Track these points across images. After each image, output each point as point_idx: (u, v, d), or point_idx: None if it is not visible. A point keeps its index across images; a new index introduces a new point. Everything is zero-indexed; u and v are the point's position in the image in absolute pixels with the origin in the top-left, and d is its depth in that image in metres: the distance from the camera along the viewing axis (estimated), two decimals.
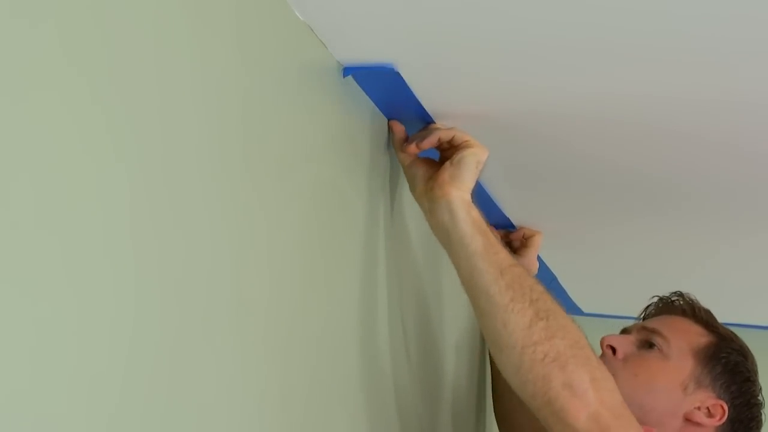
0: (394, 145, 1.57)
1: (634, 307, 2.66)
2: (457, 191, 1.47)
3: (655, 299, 1.87)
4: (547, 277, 2.53)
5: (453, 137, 1.50)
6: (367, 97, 1.47)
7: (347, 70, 1.38)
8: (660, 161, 1.73)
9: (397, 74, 1.39)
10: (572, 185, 1.90)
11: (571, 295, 2.80)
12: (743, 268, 2.41)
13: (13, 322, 0.72)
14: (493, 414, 2.15)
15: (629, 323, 2.88)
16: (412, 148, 1.52)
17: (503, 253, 1.47)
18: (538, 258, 2.34)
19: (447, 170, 1.48)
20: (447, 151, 1.52)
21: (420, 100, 1.49)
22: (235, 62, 1.08)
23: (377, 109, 1.52)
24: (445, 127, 1.52)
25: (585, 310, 2.94)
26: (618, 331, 1.82)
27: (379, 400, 1.54)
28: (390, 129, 1.58)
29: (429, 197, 1.49)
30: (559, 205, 2.05)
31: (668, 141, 1.62)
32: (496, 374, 2.12)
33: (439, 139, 1.51)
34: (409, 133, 1.58)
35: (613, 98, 1.45)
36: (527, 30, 1.24)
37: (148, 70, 0.91)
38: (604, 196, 1.97)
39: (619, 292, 2.72)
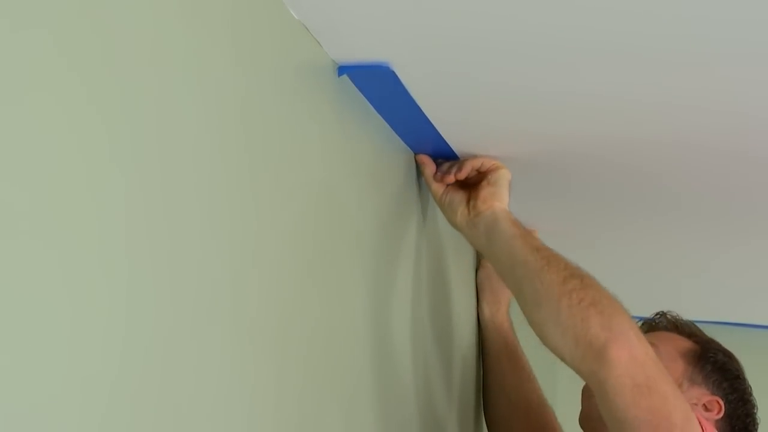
0: (426, 178, 1.75)
1: (634, 308, 2.65)
2: (500, 203, 1.66)
3: (639, 323, 1.95)
4: None
5: (482, 164, 1.70)
6: (363, 97, 1.47)
7: (342, 69, 1.37)
8: (662, 164, 1.73)
9: (393, 73, 1.38)
10: (573, 188, 1.91)
11: None
12: (745, 270, 2.41)
13: (6, 322, 0.72)
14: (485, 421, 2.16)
15: None
16: (451, 178, 1.70)
17: (540, 242, 1.62)
18: None
19: (486, 189, 1.67)
20: (474, 177, 1.70)
21: (415, 99, 1.48)
22: (230, 61, 1.08)
23: (372, 108, 1.52)
24: (473, 157, 1.71)
25: None
26: None
27: (374, 398, 1.53)
28: (419, 163, 1.75)
29: (473, 214, 1.67)
30: (560, 207, 2.05)
31: (669, 145, 1.63)
32: (488, 381, 2.13)
33: (472, 167, 1.69)
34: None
35: (615, 102, 1.45)
36: (524, 32, 1.24)
37: (143, 69, 0.91)
38: (605, 199, 1.97)
39: (620, 294, 2.72)
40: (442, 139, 1.66)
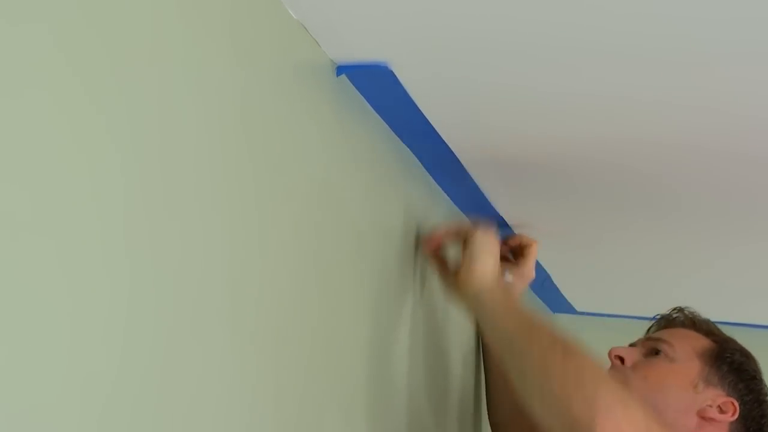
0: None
1: (626, 306, 2.65)
2: (477, 279, 1.66)
3: (657, 317, 1.95)
4: (540, 276, 2.52)
5: (458, 229, 1.74)
6: (361, 97, 1.46)
7: (341, 69, 1.37)
8: (662, 165, 1.73)
9: (391, 73, 1.38)
10: (573, 189, 1.90)
11: (564, 294, 2.80)
12: (746, 270, 2.41)
13: (6, 322, 0.72)
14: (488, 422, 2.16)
15: (622, 321, 2.88)
16: (427, 250, 1.77)
17: (520, 306, 1.62)
18: None
19: (463, 262, 1.68)
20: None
21: (414, 99, 1.48)
22: (229, 61, 1.08)
23: (371, 108, 1.51)
24: (443, 228, 1.77)
25: (578, 308, 2.94)
26: (615, 339, 1.93)
27: (374, 400, 1.53)
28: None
29: (458, 294, 1.70)
30: (560, 207, 2.05)
31: (670, 146, 1.62)
32: (490, 383, 2.13)
33: (447, 232, 1.75)
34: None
35: (615, 102, 1.45)
36: (524, 32, 1.24)
37: (142, 68, 0.91)
38: (606, 200, 1.97)
39: (612, 291, 2.72)
40: (441, 139, 1.66)
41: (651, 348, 1.82)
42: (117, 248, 0.86)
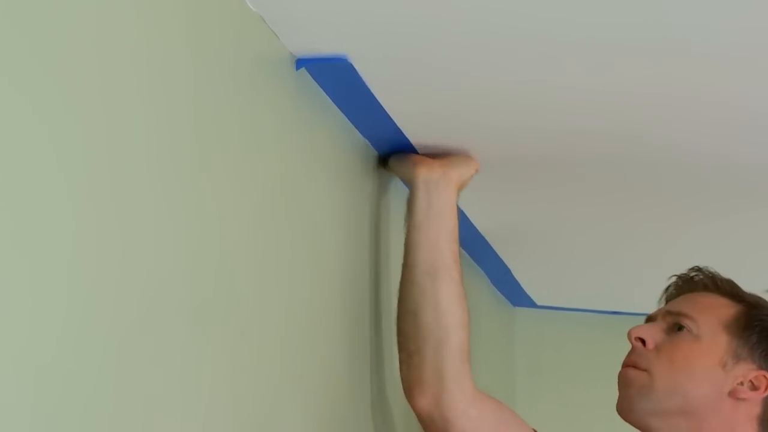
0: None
1: (587, 299, 2.64)
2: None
3: (674, 279, 1.75)
4: (500, 270, 2.53)
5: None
6: (321, 90, 1.46)
7: (300, 62, 1.37)
8: (614, 154, 1.74)
9: (351, 66, 1.38)
10: (527, 177, 1.91)
11: (524, 288, 2.80)
12: (703, 257, 2.42)
13: None
14: None
15: (582, 315, 2.86)
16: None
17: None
18: (491, 249, 2.33)
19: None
20: None
21: (373, 92, 1.48)
22: (185, 53, 1.07)
23: (331, 101, 1.51)
24: None
25: (538, 302, 2.95)
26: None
27: (337, 400, 1.53)
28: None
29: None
30: (513, 196, 2.05)
31: (624, 134, 1.63)
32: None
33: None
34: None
35: (574, 93, 1.46)
36: (485, 23, 1.24)
37: (91, 57, 0.89)
38: (559, 189, 1.97)
39: (573, 284, 2.73)
40: (400, 131, 1.66)
41: (673, 323, 1.64)
42: (70, 245, 0.85)
